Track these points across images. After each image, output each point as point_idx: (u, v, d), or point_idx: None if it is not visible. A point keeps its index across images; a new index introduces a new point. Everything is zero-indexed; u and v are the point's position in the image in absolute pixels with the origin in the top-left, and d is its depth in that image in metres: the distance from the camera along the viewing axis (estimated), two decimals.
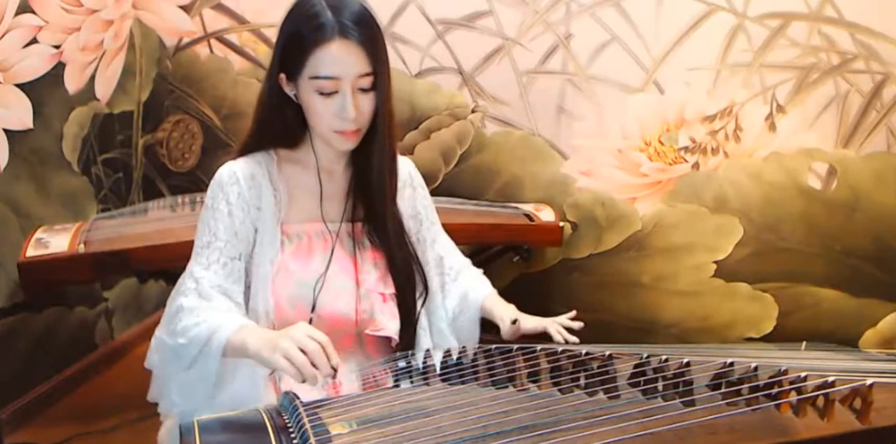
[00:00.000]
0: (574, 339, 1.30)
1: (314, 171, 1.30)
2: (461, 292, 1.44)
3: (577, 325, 1.33)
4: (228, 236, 1.23)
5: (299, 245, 1.28)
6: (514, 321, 1.33)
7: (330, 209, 1.31)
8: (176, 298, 1.24)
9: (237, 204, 1.24)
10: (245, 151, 1.30)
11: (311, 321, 1.26)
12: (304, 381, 1.04)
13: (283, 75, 1.22)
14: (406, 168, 1.40)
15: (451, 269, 1.46)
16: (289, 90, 1.23)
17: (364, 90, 1.19)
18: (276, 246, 1.26)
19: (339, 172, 1.33)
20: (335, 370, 1.06)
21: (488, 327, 1.42)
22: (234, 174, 1.25)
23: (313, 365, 1.04)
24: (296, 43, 1.18)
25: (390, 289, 1.32)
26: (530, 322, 1.34)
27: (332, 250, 1.29)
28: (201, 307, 1.18)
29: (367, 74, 1.18)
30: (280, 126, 1.27)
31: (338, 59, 1.16)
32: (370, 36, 1.18)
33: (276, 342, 1.06)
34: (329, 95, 1.18)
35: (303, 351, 1.04)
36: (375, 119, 1.23)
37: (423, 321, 1.37)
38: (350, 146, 1.25)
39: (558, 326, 1.33)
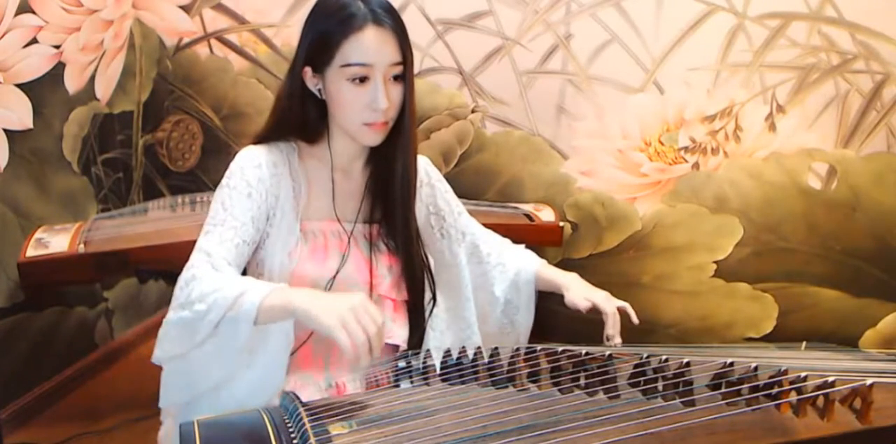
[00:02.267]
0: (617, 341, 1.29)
1: (331, 168, 1.28)
2: (510, 275, 1.44)
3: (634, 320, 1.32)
4: (245, 218, 1.18)
5: (315, 244, 1.25)
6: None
7: (345, 208, 1.28)
8: (185, 272, 1.15)
9: (257, 188, 1.20)
10: (263, 140, 1.26)
11: None
12: (353, 359, 0.98)
13: (308, 69, 1.20)
14: (422, 166, 1.36)
15: (489, 255, 1.44)
16: (313, 84, 1.21)
17: (395, 80, 1.18)
18: (295, 239, 1.23)
19: (357, 171, 1.30)
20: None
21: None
22: (257, 158, 1.22)
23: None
24: (325, 34, 1.16)
25: (402, 295, 1.30)
26: (579, 296, 1.34)
27: (348, 251, 1.26)
28: (217, 276, 1.11)
29: (399, 64, 1.17)
30: (299, 121, 1.24)
31: (371, 45, 1.15)
32: (400, 24, 1.18)
33: (338, 311, 0.98)
34: (361, 84, 1.16)
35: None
36: (401, 114, 1.21)
37: (437, 323, 1.35)
38: (377, 140, 1.22)
39: (615, 314, 1.31)
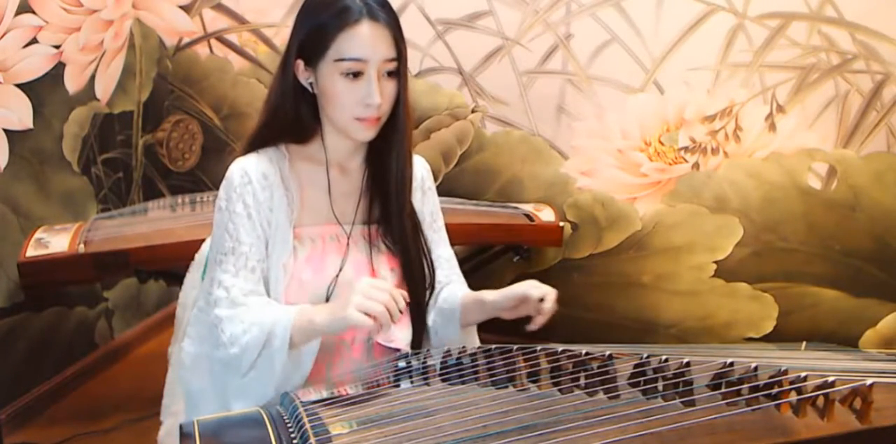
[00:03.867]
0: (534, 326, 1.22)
1: (326, 165, 1.26)
2: (439, 301, 1.36)
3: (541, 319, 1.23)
4: (252, 239, 1.19)
5: (313, 250, 1.23)
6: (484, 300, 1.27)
7: (344, 209, 1.27)
8: (208, 309, 1.20)
9: (253, 206, 1.20)
10: (254, 145, 1.25)
11: None
12: (379, 330, 1.07)
13: (300, 62, 1.19)
14: (420, 169, 1.35)
15: (438, 283, 1.37)
16: (305, 78, 1.20)
17: (388, 76, 1.17)
18: (289, 249, 1.21)
19: (355, 170, 1.29)
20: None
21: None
22: (247, 174, 1.20)
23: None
24: (319, 27, 1.15)
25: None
26: (502, 292, 1.26)
27: (347, 253, 1.25)
28: (239, 313, 1.16)
29: (393, 59, 1.16)
30: (291, 118, 1.23)
31: (366, 40, 1.14)
32: (394, 19, 1.17)
33: (347, 301, 1.07)
34: (354, 78, 1.15)
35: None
36: (395, 110, 1.20)
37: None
38: (369, 136, 1.20)
39: (537, 304, 1.22)
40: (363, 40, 1.14)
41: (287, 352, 1.13)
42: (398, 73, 1.18)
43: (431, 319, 1.36)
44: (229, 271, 1.18)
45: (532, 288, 1.24)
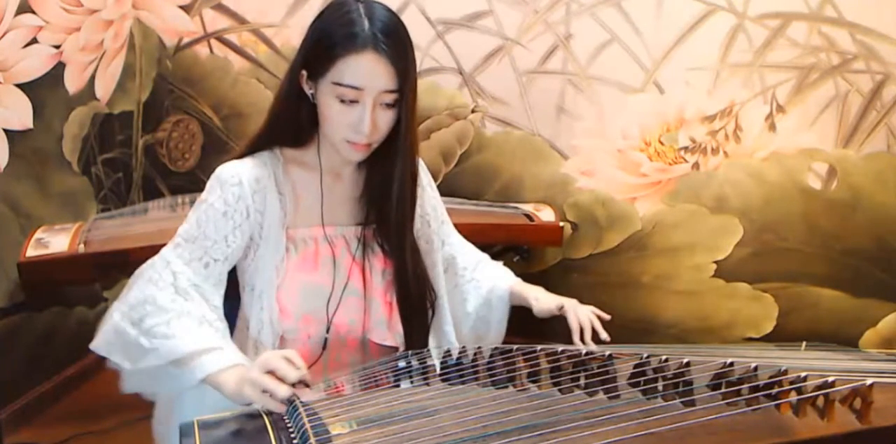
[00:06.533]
0: (592, 346, 1.26)
1: (321, 172, 1.27)
2: (483, 292, 1.42)
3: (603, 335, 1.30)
4: (218, 236, 1.20)
5: (305, 252, 1.24)
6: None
7: (338, 213, 1.28)
8: (145, 285, 1.20)
9: (235, 206, 1.20)
10: (253, 148, 1.26)
11: (328, 330, 1.25)
12: (281, 401, 1.02)
13: (304, 72, 1.19)
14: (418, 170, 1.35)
15: (464, 269, 1.43)
16: (307, 88, 1.20)
17: (386, 106, 1.16)
18: (282, 252, 1.22)
19: (349, 175, 1.29)
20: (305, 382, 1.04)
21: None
22: (238, 175, 1.21)
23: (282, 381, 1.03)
24: (325, 45, 1.14)
25: (396, 298, 1.30)
26: (549, 303, 1.35)
27: (352, 258, 1.26)
28: (175, 311, 1.15)
29: (392, 92, 1.15)
30: (292, 122, 1.23)
31: (365, 70, 1.12)
32: (402, 52, 1.15)
33: (243, 377, 1.05)
34: (349, 103, 1.14)
35: (269, 372, 1.03)
36: (396, 135, 1.19)
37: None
38: (358, 158, 1.21)
39: (582, 322, 1.30)
40: (362, 70, 1.13)
41: (189, 383, 1.11)
42: (398, 104, 1.17)
43: (476, 307, 1.42)
44: (183, 257, 1.20)
45: (552, 304, 1.34)
